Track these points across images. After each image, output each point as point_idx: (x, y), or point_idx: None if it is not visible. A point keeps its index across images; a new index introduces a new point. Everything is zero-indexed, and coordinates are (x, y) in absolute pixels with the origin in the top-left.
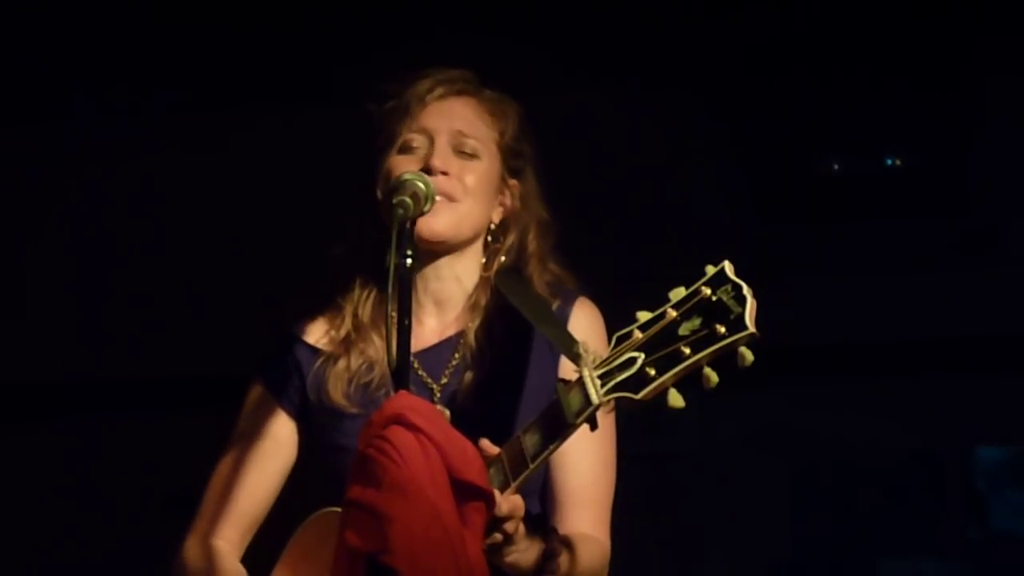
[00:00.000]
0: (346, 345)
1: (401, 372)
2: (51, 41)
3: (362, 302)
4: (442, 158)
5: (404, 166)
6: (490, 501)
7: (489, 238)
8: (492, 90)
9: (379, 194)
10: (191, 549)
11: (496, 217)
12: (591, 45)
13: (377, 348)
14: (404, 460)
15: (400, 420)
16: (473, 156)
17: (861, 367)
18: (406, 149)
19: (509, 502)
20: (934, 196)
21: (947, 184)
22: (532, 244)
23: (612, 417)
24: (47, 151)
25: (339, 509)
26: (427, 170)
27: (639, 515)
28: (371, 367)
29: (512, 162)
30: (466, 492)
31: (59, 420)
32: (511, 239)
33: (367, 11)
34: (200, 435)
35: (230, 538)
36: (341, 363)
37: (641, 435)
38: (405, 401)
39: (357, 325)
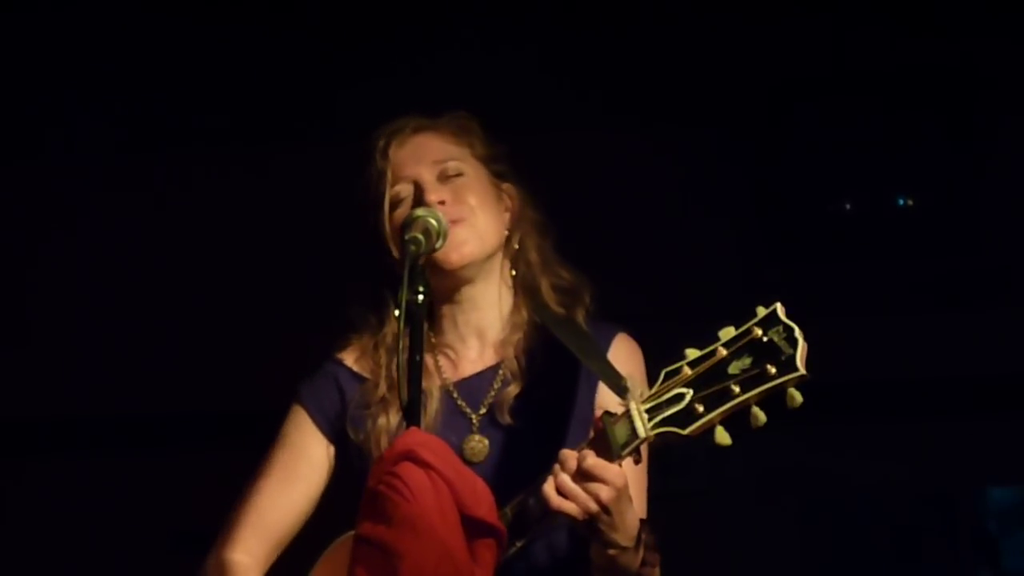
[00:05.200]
0: (384, 404)
1: (412, 408)
2: (56, 77)
3: (395, 363)
4: (433, 191)
5: (404, 218)
6: (500, 537)
7: (515, 246)
8: (443, 115)
9: (395, 252)
10: (215, 561)
11: (507, 223)
12: (604, 83)
13: None
14: (414, 496)
15: (411, 456)
16: (459, 175)
17: (872, 407)
18: (396, 203)
19: (598, 463)
20: (946, 236)
21: (959, 224)
22: (538, 245)
23: (646, 449)
24: (46, 189)
25: None
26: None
27: None
28: None
29: (495, 168)
30: (476, 528)
31: (67, 456)
32: (523, 239)
33: (374, 49)
34: (211, 472)
35: (255, 553)
36: (381, 420)
37: (652, 474)
38: (416, 438)
39: (392, 385)
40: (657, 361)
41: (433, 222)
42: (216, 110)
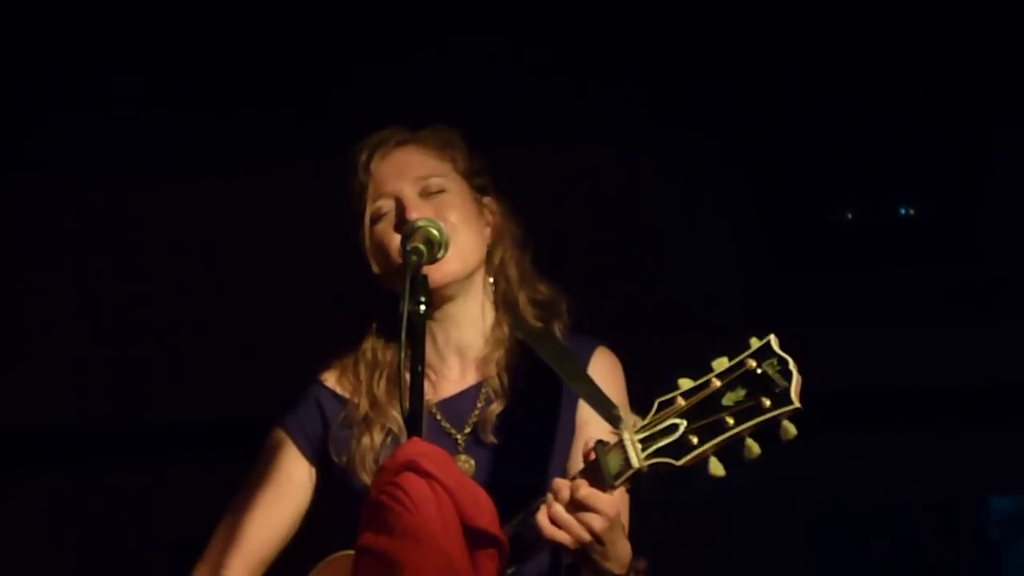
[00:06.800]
0: (367, 423)
1: (414, 419)
2: (49, 91)
3: (376, 380)
4: (415, 208)
5: (385, 233)
6: (502, 548)
7: (496, 261)
8: (425, 128)
9: (375, 268)
10: None
11: (488, 238)
12: (604, 94)
13: (398, 422)
14: (416, 507)
15: (412, 467)
16: (441, 191)
17: (873, 417)
18: (377, 218)
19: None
20: (947, 245)
21: (960, 233)
22: (517, 259)
23: None
24: (45, 200)
25: (352, 552)
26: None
27: (652, 564)
28: (396, 441)
29: (476, 182)
30: (478, 539)
31: (67, 467)
32: (502, 254)
33: (371, 63)
34: (209, 482)
35: (238, 573)
36: (365, 440)
37: (654, 484)
38: (418, 448)
39: (374, 403)
40: (659, 372)
41: (435, 232)
42: (207, 124)
